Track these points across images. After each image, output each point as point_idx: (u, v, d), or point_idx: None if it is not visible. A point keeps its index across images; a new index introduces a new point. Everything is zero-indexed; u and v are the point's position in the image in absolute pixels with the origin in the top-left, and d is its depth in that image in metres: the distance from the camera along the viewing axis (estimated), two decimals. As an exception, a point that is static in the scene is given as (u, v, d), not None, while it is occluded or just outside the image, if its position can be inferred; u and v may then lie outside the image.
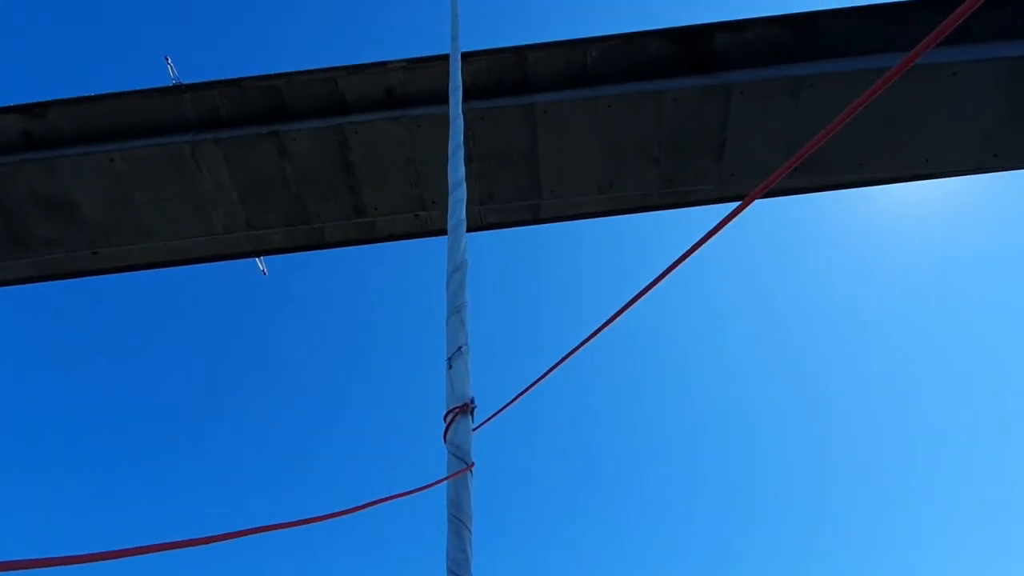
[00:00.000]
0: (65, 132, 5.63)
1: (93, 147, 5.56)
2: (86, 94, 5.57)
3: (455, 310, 2.07)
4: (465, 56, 5.50)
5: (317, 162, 5.66)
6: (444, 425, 1.86)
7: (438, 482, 1.69)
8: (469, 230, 6.54)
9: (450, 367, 1.96)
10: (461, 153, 2.88)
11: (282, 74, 5.56)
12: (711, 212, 6.15)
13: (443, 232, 6.31)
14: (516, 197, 5.91)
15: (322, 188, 5.79)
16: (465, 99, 5.55)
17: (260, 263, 6.40)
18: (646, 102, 5.42)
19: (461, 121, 3.10)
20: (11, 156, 5.60)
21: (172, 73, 5.29)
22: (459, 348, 1.96)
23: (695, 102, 5.40)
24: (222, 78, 5.55)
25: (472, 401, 1.91)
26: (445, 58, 5.53)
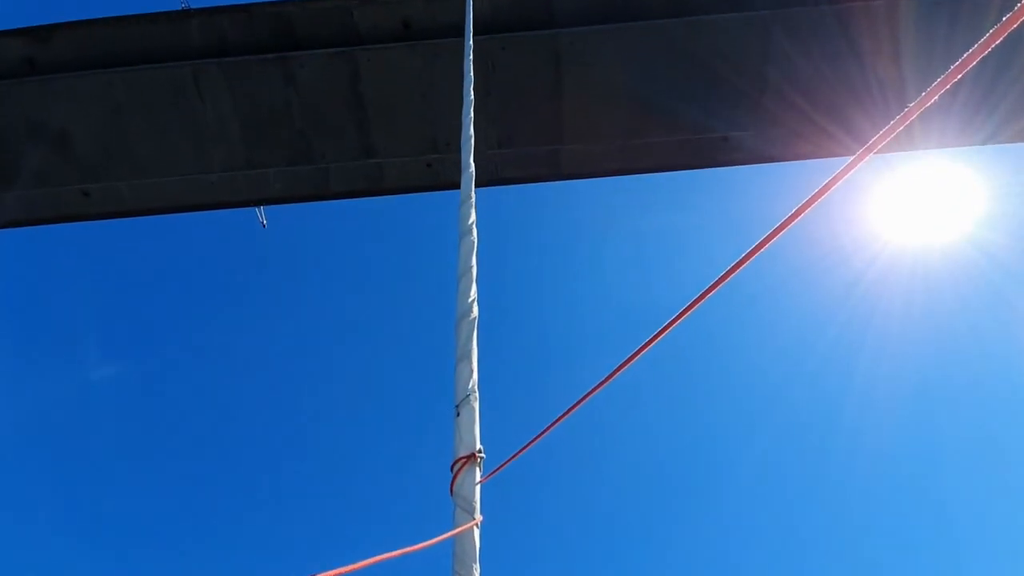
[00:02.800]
0: (68, 58, 5.38)
1: (93, 72, 5.29)
2: (93, 17, 5.35)
3: (463, 356, 2.03)
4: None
5: (325, 93, 5.32)
6: (451, 475, 1.86)
7: (443, 537, 1.66)
8: (482, 184, 6.04)
9: (457, 415, 1.92)
10: (471, 201, 2.68)
11: (294, 1, 5.31)
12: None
13: (455, 185, 5.86)
14: (536, 140, 5.48)
15: (329, 123, 5.42)
16: (485, 32, 5.23)
17: (260, 214, 5.96)
18: (680, 32, 5.03)
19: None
20: (11, 81, 5.35)
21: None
22: (467, 396, 1.93)
23: (732, 35, 5.00)
24: (232, 3, 5.30)
25: (480, 451, 1.89)
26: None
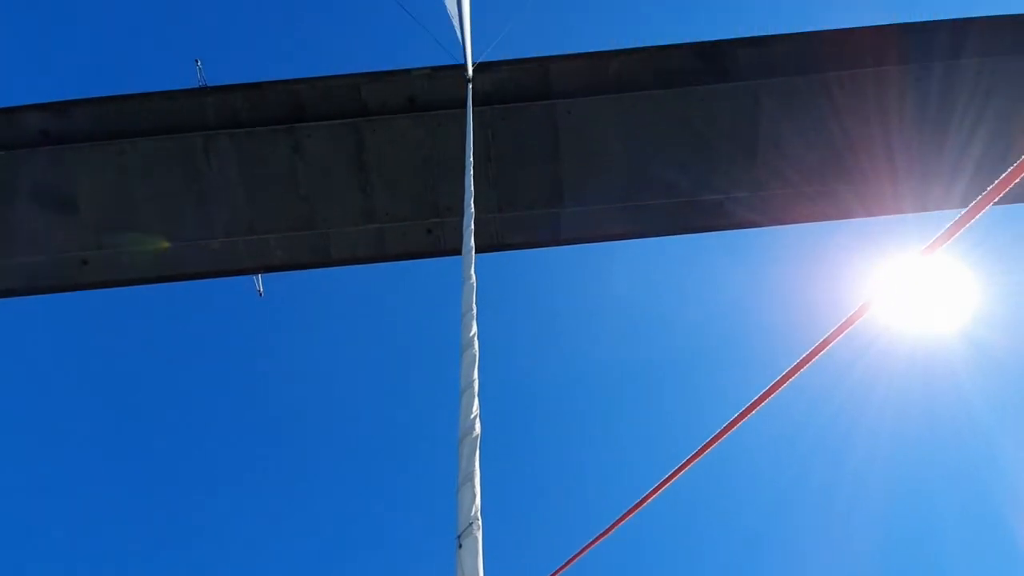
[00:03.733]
0: (84, 130, 5.59)
1: (105, 141, 5.47)
2: (112, 94, 5.62)
3: (466, 479, 1.89)
4: (486, 65, 5.55)
5: (330, 160, 5.47)
6: None
7: None
8: (484, 249, 6.07)
9: (460, 546, 1.73)
10: (473, 314, 2.54)
11: (305, 79, 5.61)
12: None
13: (456, 252, 5.90)
14: (536, 203, 5.57)
15: (333, 189, 5.53)
16: (486, 103, 5.49)
17: (258, 282, 5.93)
18: (671, 102, 5.29)
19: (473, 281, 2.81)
20: (24, 149, 5.51)
21: (200, 76, 5.29)
22: (469, 525, 1.75)
23: (722, 103, 5.25)
24: (246, 82, 5.60)
25: None
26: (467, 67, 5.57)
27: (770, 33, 5.47)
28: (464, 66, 5.32)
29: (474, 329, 2.41)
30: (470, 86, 4.70)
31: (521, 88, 5.57)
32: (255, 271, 5.96)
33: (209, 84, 5.64)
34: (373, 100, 5.61)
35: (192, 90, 5.64)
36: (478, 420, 2.04)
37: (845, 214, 5.71)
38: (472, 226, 3.26)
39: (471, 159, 3.89)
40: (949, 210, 5.70)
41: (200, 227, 5.58)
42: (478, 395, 2.15)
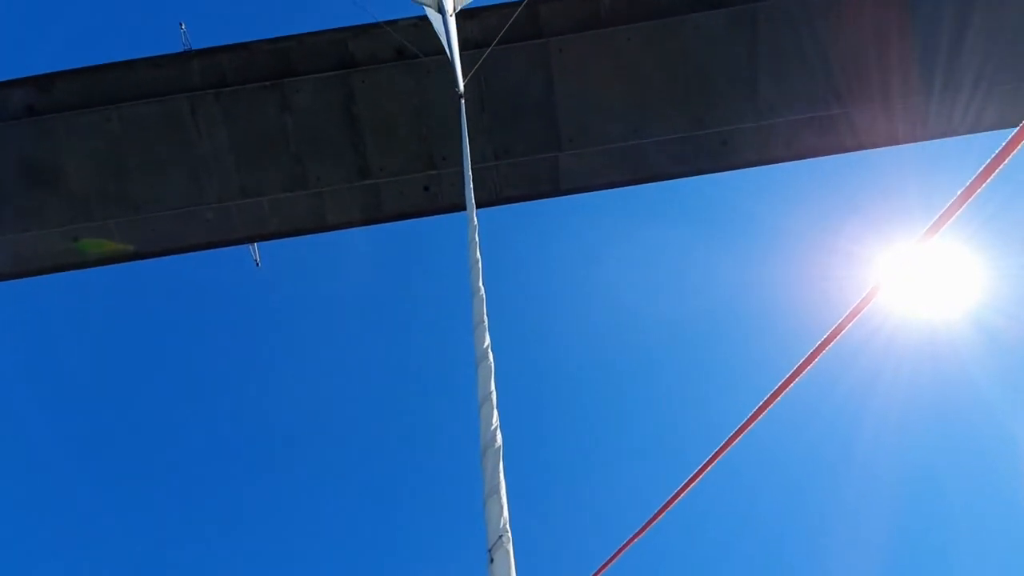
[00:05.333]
0: (69, 101, 5.48)
1: (91, 109, 5.36)
2: (96, 63, 5.52)
3: (492, 491, 1.86)
4: (475, 12, 5.42)
5: (320, 116, 5.34)
6: None
7: None
8: (483, 204, 5.88)
9: (491, 560, 1.70)
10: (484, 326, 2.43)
11: (291, 36, 5.49)
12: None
13: (455, 207, 5.74)
14: (533, 150, 5.41)
15: (324, 146, 5.39)
16: (475, 47, 5.35)
17: (254, 251, 5.78)
18: (666, 34, 5.14)
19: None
20: (8, 122, 5.41)
21: (185, 40, 5.18)
22: (499, 537, 1.72)
23: (718, 31, 5.10)
24: (232, 43, 5.49)
25: None
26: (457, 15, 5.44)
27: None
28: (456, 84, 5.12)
29: (487, 340, 2.36)
30: (463, 102, 4.58)
31: (511, 31, 5.43)
32: (250, 240, 5.81)
33: (194, 48, 5.53)
34: (361, 52, 5.48)
35: (177, 55, 5.54)
36: (499, 431, 2.00)
37: (851, 145, 5.53)
38: (476, 238, 3.08)
39: (469, 170, 3.64)
40: (950, 136, 5.51)
41: (192, 193, 5.45)
42: (497, 406, 2.11)
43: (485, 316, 2.43)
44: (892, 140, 5.55)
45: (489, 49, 5.08)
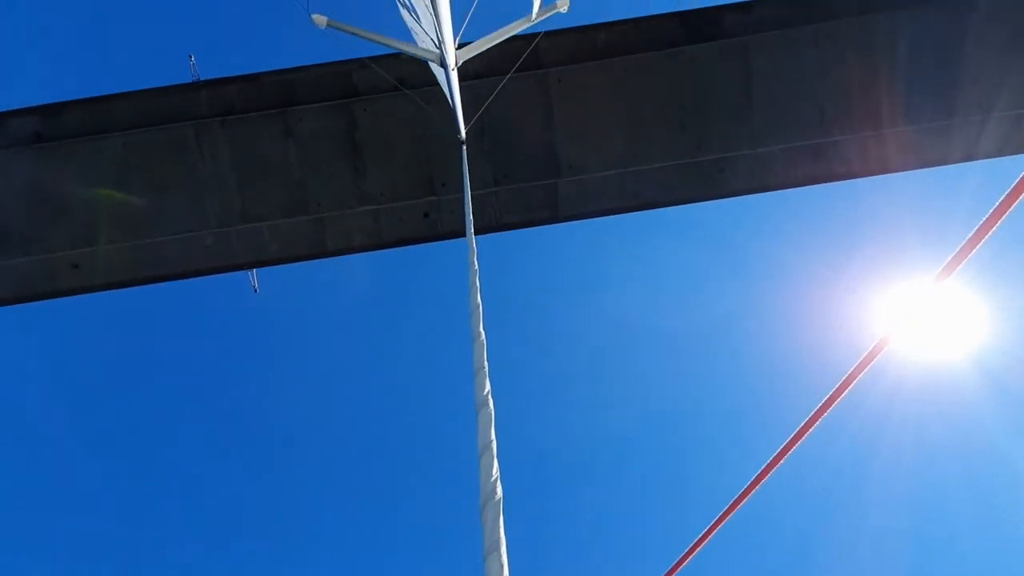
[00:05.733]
0: (76, 128, 5.59)
1: (97, 136, 5.45)
2: (104, 93, 5.65)
3: (492, 547, 1.81)
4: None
5: (323, 143, 5.43)
6: None
7: None
8: (483, 231, 5.93)
9: None
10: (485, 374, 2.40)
11: (298, 68, 5.64)
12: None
13: (454, 234, 5.77)
14: (532, 175, 5.48)
15: (326, 172, 5.46)
16: (477, 78, 5.49)
17: (252, 278, 5.78)
18: (661, 64, 5.28)
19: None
20: (15, 148, 5.49)
21: (193, 72, 5.33)
22: None
23: (712, 62, 5.24)
24: (240, 74, 5.63)
25: None
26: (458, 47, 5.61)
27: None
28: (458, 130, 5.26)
29: (487, 387, 2.27)
30: (464, 148, 4.71)
31: (511, 64, 5.59)
32: (250, 266, 5.82)
33: (202, 79, 5.67)
34: (363, 83, 5.62)
35: (185, 85, 5.68)
36: (499, 483, 1.91)
37: (843, 173, 5.61)
38: (477, 282, 3.05)
39: (471, 217, 3.63)
40: (945, 164, 5.59)
41: (193, 217, 5.48)
42: (497, 456, 2.03)
43: (486, 361, 2.36)
44: (885, 168, 5.64)
45: (489, 99, 5.19)
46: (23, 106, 5.63)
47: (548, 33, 5.61)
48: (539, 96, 5.37)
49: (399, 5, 4.66)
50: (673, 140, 5.34)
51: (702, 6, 5.58)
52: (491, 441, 2.00)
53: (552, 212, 5.69)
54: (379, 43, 4.34)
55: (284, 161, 5.42)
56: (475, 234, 3.60)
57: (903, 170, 5.64)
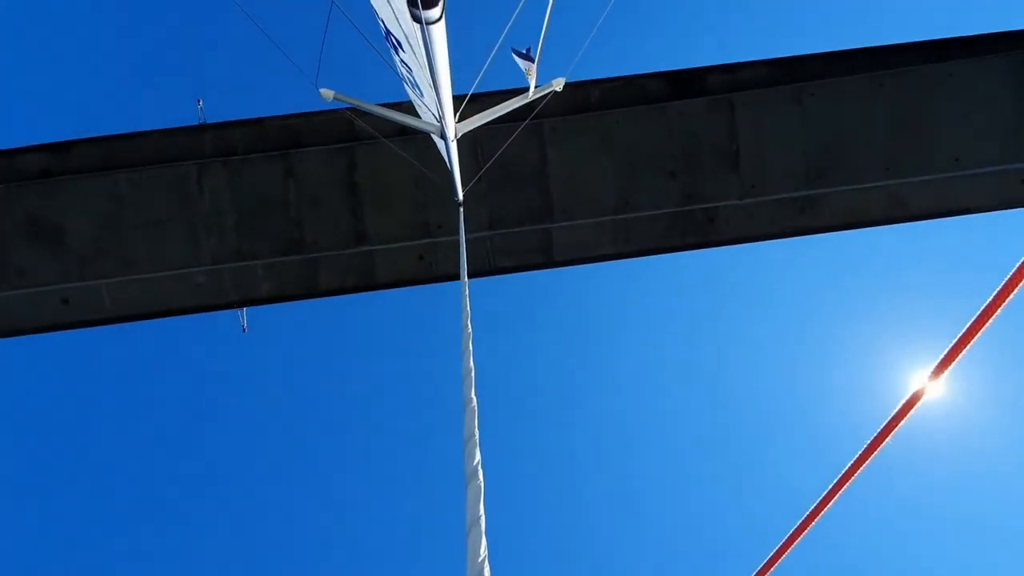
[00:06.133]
0: (81, 166, 5.71)
1: (101, 172, 5.57)
2: (113, 133, 5.81)
3: None
4: (473, 97, 5.83)
5: (322, 183, 5.55)
6: None
7: None
8: (477, 275, 5.98)
9: None
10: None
11: (301, 114, 5.85)
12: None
13: (448, 277, 5.80)
14: (527, 220, 5.58)
15: (324, 211, 5.55)
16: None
17: (242, 317, 5.75)
18: (653, 116, 5.50)
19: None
20: (20, 183, 5.58)
21: (201, 115, 5.55)
22: None
23: (701, 114, 5.47)
24: (244, 118, 5.83)
25: None
26: (462, 98, 5.85)
27: (737, 61, 5.84)
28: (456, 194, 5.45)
29: (478, 457, 2.20)
30: (461, 210, 4.91)
31: (508, 116, 5.81)
32: (240, 305, 5.80)
33: (209, 122, 5.87)
34: (366, 130, 5.81)
35: (191, 127, 5.86)
36: (487, 564, 1.83)
37: (832, 224, 5.74)
38: (470, 346, 3.08)
39: (466, 279, 3.74)
40: (934, 218, 5.74)
41: (187, 254, 5.51)
42: (485, 532, 1.93)
43: (476, 430, 2.26)
44: (872, 221, 5.77)
45: (488, 165, 5.37)
46: (32, 143, 5.79)
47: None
48: (534, 143, 5.55)
49: (403, 82, 4.89)
50: (663, 188, 5.49)
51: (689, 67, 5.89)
52: (480, 516, 1.89)
53: (546, 257, 5.75)
54: (382, 116, 4.52)
55: (283, 200, 5.52)
56: (469, 277, 3.61)
57: (890, 223, 5.78)
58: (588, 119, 5.55)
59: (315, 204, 5.54)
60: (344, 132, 5.76)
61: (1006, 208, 5.73)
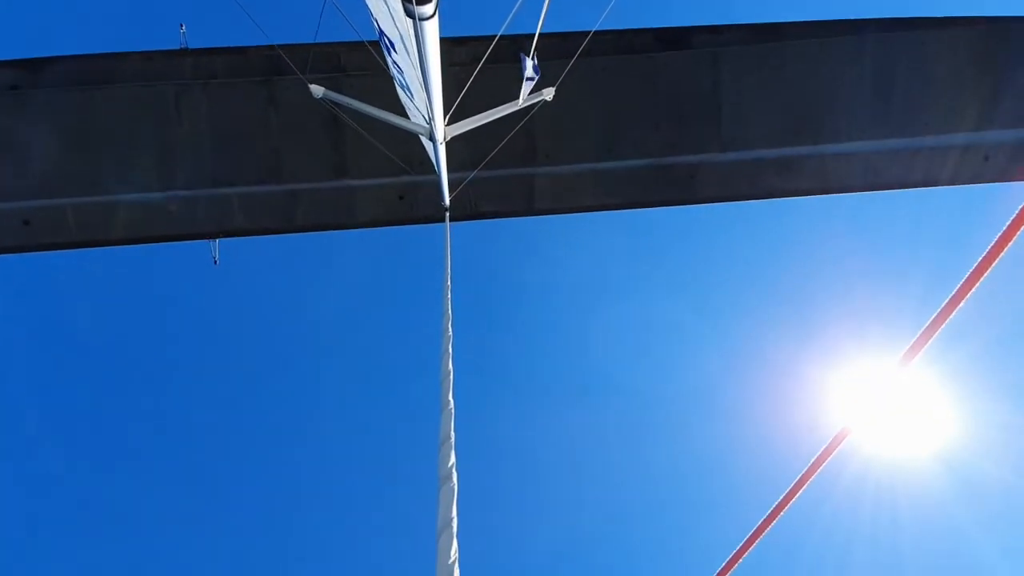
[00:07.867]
0: (53, 82, 5.51)
1: (73, 88, 5.38)
2: (89, 52, 5.63)
3: None
4: (457, 40, 5.81)
5: (305, 114, 5.45)
6: None
7: None
8: (459, 219, 5.93)
9: None
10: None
11: (284, 46, 5.74)
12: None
13: (428, 219, 5.75)
14: (509, 163, 5.56)
15: (304, 141, 5.45)
16: (460, 65, 5.67)
17: (214, 249, 5.61)
18: (636, 67, 5.55)
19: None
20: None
21: (183, 40, 5.42)
22: None
23: (684, 65, 5.53)
24: (228, 46, 5.70)
25: None
26: (448, 39, 5.82)
27: (723, 23, 5.93)
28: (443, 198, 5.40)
29: (452, 459, 2.21)
30: (448, 215, 4.89)
31: (493, 55, 5.79)
32: (213, 236, 5.65)
33: (191, 47, 5.72)
34: (352, 64, 5.74)
35: (172, 51, 5.71)
36: (457, 566, 1.82)
37: (809, 188, 5.85)
38: (450, 348, 3.01)
39: (449, 283, 3.68)
40: (907, 188, 5.89)
41: (161, 177, 5.36)
42: (457, 536, 1.92)
43: (452, 432, 2.28)
44: (848, 188, 5.90)
45: (479, 167, 5.35)
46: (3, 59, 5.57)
47: (530, 36, 5.87)
48: (517, 84, 5.54)
49: (396, 85, 4.85)
50: (647, 138, 5.53)
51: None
52: (452, 519, 1.89)
53: (528, 204, 5.74)
54: (372, 115, 4.50)
55: (263, 127, 5.41)
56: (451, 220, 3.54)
57: (866, 190, 5.91)
58: (575, 65, 5.55)
59: (296, 133, 5.45)
60: (331, 64, 5.68)
61: (973, 183, 5.91)
